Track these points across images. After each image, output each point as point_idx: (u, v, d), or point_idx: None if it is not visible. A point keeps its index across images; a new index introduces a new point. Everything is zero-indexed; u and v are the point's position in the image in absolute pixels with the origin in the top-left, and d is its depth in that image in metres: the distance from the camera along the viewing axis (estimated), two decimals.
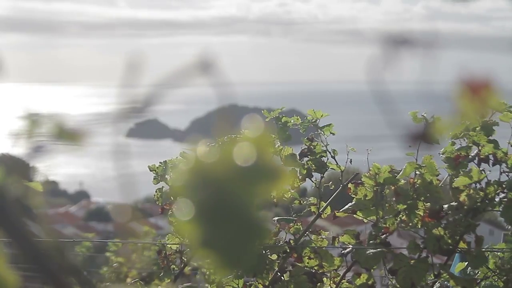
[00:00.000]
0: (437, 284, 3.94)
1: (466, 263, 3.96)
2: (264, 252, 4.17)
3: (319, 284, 4.15)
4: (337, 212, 4.23)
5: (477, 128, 3.97)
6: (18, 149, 0.99)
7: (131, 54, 0.86)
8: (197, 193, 0.83)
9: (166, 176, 4.17)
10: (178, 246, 4.34)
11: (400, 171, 4.06)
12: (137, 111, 0.88)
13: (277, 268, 4.16)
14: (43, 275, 0.85)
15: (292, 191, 4.32)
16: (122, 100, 0.87)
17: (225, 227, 0.83)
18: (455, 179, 3.97)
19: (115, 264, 11.42)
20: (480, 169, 3.99)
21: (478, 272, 3.97)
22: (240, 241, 0.84)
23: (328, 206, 4.33)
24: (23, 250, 0.84)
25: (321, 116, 4.39)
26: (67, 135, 0.96)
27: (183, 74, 0.86)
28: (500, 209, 3.93)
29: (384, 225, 4.02)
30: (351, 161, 4.32)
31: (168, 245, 4.36)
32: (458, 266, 3.99)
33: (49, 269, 0.85)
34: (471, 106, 0.87)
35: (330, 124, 4.39)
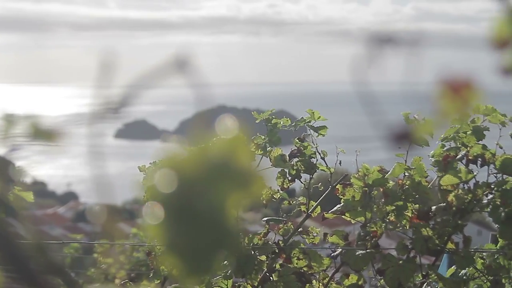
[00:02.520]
0: (426, 285, 3.95)
1: (455, 266, 3.97)
2: (253, 252, 4.16)
3: (307, 284, 4.15)
4: (326, 214, 4.23)
5: (468, 132, 3.98)
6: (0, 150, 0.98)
7: (106, 54, 0.85)
8: (167, 196, 0.82)
9: (152, 176, 4.15)
10: None
11: (389, 171, 4.06)
12: (114, 111, 0.87)
13: (266, 269, 4.16)
14: (25, 276, 0.84)
15: (282, 192, 4.33)
16: (99, 101, 0.87)
17: (194, 231, 0.82)
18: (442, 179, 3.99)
19: (103, 265, 11.40)
20: (469, 169, 4.00)
21: (467, 274, 3.98)
22: (209, 246, 0.82)
23: (318, 206, 4.33)
24: (4, 251, 0.83)
25: (319, 117, 4.38)
26: (45, 135, 0.95)
27: (159, 74, 0.85)
28: (488, 210, 3.94)
29: (372, 229, 4.03)
30: (340, 163, 4.32)
31: (157, 246, 4.35)
32: (449, 271, 4.00)
33: (31, 270, 0.84)
34: (453, 106, 0.87)
35: (324, 126, 4.38)
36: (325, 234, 4.25)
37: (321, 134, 4.37)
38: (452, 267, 4.00)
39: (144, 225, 0.83)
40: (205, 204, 0.82)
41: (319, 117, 4.39)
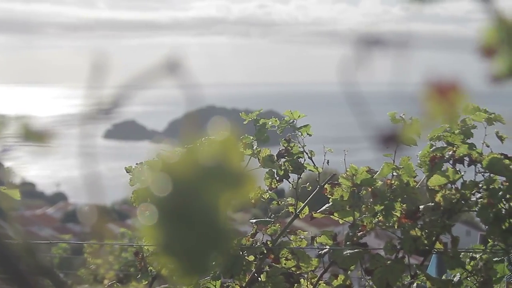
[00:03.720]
0: (414, 285, 3.96)
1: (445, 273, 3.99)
2: (241, 253, 4.17)
3: (296, 285, 4.16)
4: (314, 213, 4.23)
5: (456, 132, 4.00)
6: None
7: (96, 55, 0.86)
8: (159, 197, 0.82)
9: (142, 177, 4.14)
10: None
11: (377, 172, 4.07)
12: (104, 112, 0.87)
13: (254, 269, 4.16)
14: (14, 277, 0.84)
15: (270, 192, 4.33)
16: (89, 101, 0.87)
17: (187, 231, 0.82)
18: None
19: (92, 266, 11.38)
20: (456, 169, 4.02)
21: (455, 276, 3.99)
22: (203, 246, 0.83)
23: (306, 207, 4.34)
24: None
25: (298, 117, 4.40)
26: (35, 136, 0.95)
27: (150, 75, 0.86)
28: (476, 210, 3.95)
29: (361, 223, 4.04)
30: (328, 162, 4.33)
31: (145, 247, 4.35)
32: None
33: (20, 271, 0.84)
34: (439, 108, 0.88)
35: (307, 125, 4.39)
36: (313, 238, 4.26)
37: (307, 133, 4.37)
38: (444, 275, 4.02)
39: (137, 226, 0.84)
40: (196, 205, 0.82)
41: (299, 116, 4.40)
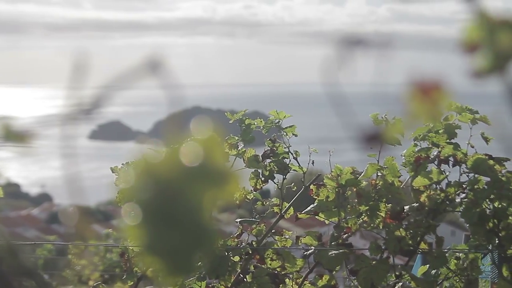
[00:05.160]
0: (399, 285, 3.97)
1: (428, 265, 4.00)
2: (226, 253, 4.16)
3: (281, 285, 4.16)
4: (299, 214, 4.24)
5: (440, 131, 4.01)
6: None
7: (79, 56, 0.86)
8: (143, 197, 0.82)
9: (127, 178, 4.13)
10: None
11: (362, 172, 4.08)
12: (88, 112, 0.87)
13: (239, 270, 4.16)
14: None
15: (255, 192, 4.33)
16: (73, 102, 0.87)
17: (171, 231, 0.82)
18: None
19: (77, 267, 11.34)
20: (441, 170, 4.03)
21: (439, 273, 4.00)
22: (187, 246, 0.83)
23: (291, 207, 4.34)
24: None
25: (284, 117, 4.40)
26: (18, 137, 0.95)
27: (132, 76, 0.86)
28: (461, 210, 3.97)
29: (346, 225, 4.05)
30: (313, 163, 4.34)
31: (130, 247, 4.35)
32: (420, 270, 4.02)
33: (3, 272, 0.84)
34: (422, 108, 0.88)
35: (293, 125, 4.40)
36: (297, 238, 4.26)
37: (293, 134, 4.38)
38: (424, 266, 4.02)
39: (122, 227, 0.84)
40: (181, 205, 0.82)
41: (285, 116, 4.40)
